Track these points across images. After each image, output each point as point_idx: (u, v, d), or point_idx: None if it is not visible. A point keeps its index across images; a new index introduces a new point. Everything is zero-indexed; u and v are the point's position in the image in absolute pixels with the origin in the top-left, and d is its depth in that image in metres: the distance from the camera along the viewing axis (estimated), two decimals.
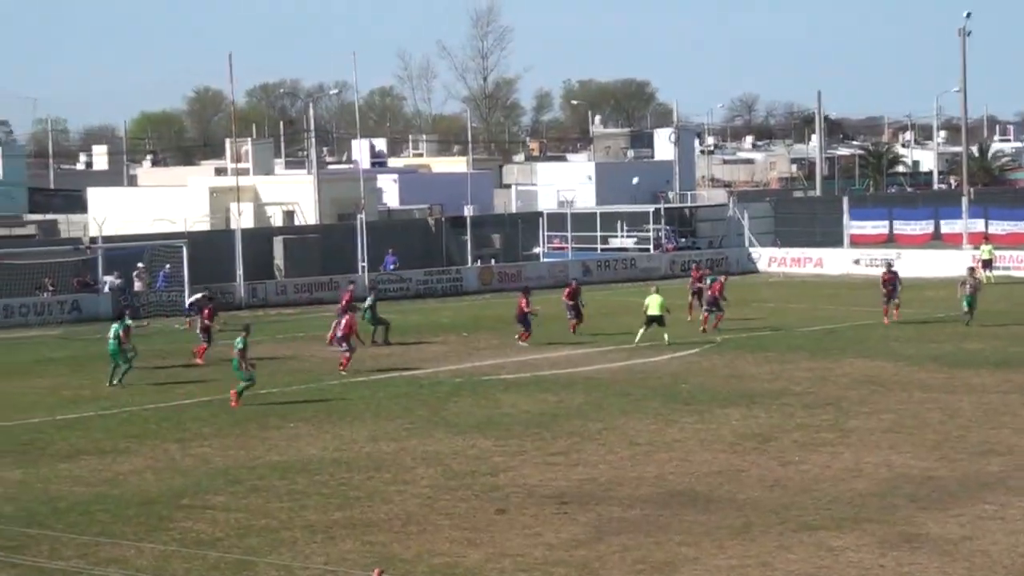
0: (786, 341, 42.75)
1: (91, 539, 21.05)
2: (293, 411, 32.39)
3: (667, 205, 77.99)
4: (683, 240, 74.56)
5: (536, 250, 71.74)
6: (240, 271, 58.08)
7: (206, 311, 40.89)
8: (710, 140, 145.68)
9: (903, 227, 70.35)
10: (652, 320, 41.70)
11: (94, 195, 77.84)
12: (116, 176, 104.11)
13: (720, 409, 31.68)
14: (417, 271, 63.04)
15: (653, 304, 41.99)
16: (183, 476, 25.78)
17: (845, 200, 72.73)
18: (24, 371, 40.23)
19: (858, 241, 69.75)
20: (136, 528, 21.94)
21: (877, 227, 70.87)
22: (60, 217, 78.01)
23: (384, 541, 21.18)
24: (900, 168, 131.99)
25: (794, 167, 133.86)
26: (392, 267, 62.15)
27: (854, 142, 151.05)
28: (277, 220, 73.60)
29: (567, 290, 45.68)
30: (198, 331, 41.23)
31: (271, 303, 57.47)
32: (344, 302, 42.58)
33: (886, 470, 25.29)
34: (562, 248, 72.26)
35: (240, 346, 32.92)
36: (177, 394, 35.03)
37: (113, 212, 66.18)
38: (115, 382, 36.02)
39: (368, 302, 44.98)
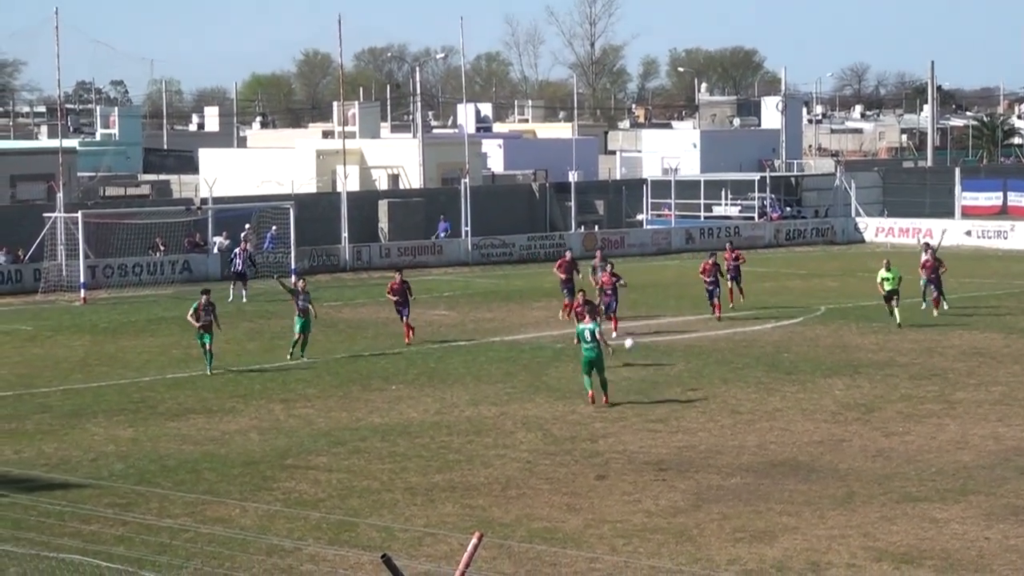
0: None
1: (198, 497, 21.41)
2: (395, 374, 32.64)
3: (772, 174, 77.26)
4: (788, 209, 73.87)
5: (639, 217, 71.47)
6: (345, 234, 58.57)
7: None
8: (818, 109, 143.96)
9: (1018, 199, 69.16)
10: (891, 295, 38.81)
11: (205, 156, 78.90)
12: (226, 138, 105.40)
13: (823, 379, 31.42)
14: (520, 236, 63.10)
15: (891, 278, 38.78)
16: (287, 436, 26.12)
17: (957, 171, 71.56)
18: (137, 330, 40.96)
19: (970, 213, 68.65)
20: (241, 487, 22.27)
21: (990, 199, 69.75)
22: (172, 177, 79.23)
23: (483, 505, 21.30)
24: (1016, 140, 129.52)
25: (904, 137, 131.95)
26: (444, 234, 61.92)
27: (967, 113, 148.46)
28: (382, 183, 74.07)
29: (560, 262, 41.51)
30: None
31: (375, 266, 57.90)
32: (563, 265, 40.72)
33: (993, 442, 24.94)
34: (666, 215, 71.94)
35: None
36: (282, 355, 35.44)
37: (223, 173, 67.05)
38: (297, 353, 34.57)
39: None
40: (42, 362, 34.85)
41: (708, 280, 40.53)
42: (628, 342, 31.95)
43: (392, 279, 37.52)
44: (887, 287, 38.83)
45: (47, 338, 39.11)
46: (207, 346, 32.66)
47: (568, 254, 42.12)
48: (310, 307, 34.78)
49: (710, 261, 40.95)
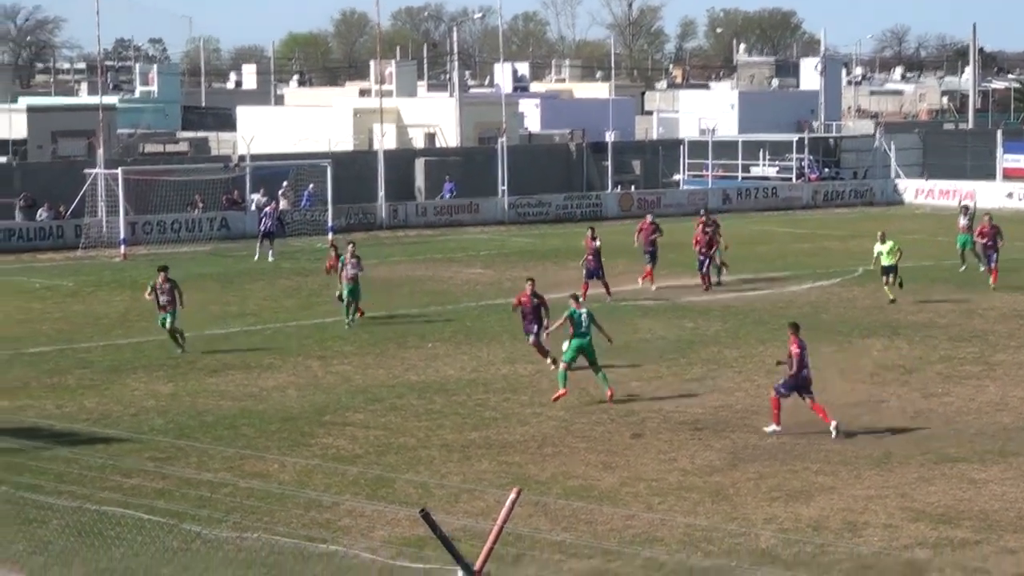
0: (932, 273, 41.99)
1: (237, 452, 21.57)
2: (431, 331, 32.73)
3: (811, 135, 76.84)
4: (826, 170, 73.48)
5: (676, 177, 71.24)
6: (382, 192, 58.62)
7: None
8: (857, 71, 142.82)
9: None
10: (888, 270, 36.01)
11: (243, 114, 79.02)
12: (264, 96, 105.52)
13: (861, 340, 31.32)
14: (557, 195, 63.03)
15: (886, 251, 36.23)
16: (324, 393, 26.25)
17: (999, 133, 70.96)
18: None
19: (1012, 175, 68.10)
20: (279, 443, 22.43)
21: None
22: (211, 135, 79.38)
23: (520, 462, 21.38)
24: None
25: (945, 99, 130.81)
26: (449, 195, 61.67)
27: (1009, 76, 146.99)
28: (419, 142, 74.04)
29: (641, 226, 39.98)
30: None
31: (411, 224, 57.98)
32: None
33: (1021, 401, 24.83)
34: (702, 176, 71.67)
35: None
36: (319, 312, 35.57)
37: (260, 131, 67.14)
38: (356, 321, 33.63)
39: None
40: (83, 318, 35.10)
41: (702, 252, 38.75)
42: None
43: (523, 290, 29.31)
44: (884, 261, 36.04)
45: (88, 294, 39.37)
46: (167, 326, 29.81)
47: (649, 217, 40.74)
48: (359, 275, 33.34)
49: (699, 230, 39.06)
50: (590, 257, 36.66)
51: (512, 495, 9.29)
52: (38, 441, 21.49)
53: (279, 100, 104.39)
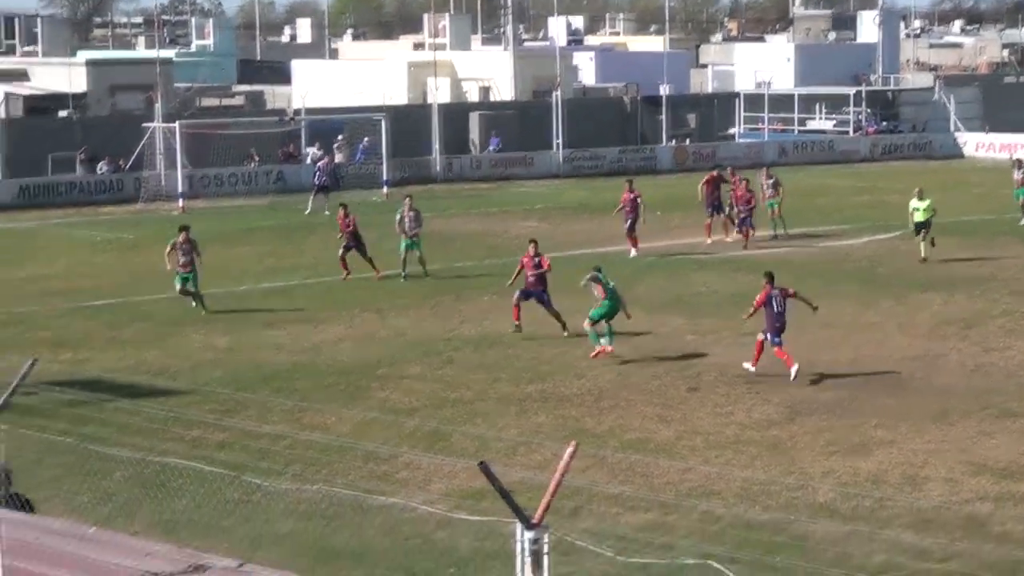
0: (993, 227, 41.59)
1: (295, 404, 21.73)
2: (488, 285, 32.75)
3: (869, 88, 76.10)
4: (884, 124, 72.81)
5: (731, 131, 70.81)
6: (436, 146, 58.62)
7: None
8: (916, 24, 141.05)
9: None
10: (921, 227, 35.44)
11: (298, 67, 79.12)
12: (318, 49, 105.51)
13: (920, 293, 31.10)
14: (611, 149, 62.87)
15: (922, 208, 35.57)
16: (380, 346, 26.36)
17: None
18: (233, 239, 41.41)
19: None
20: (336, 396, 22.57)
21: None
22: (266, 88, 79.53)
23: (576, 415, 21.42)
24: None
25: (1005, 52, 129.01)
26: (495, 149, 61.45)
27: None
28: (473, 96, 73.89)
29: (708, 179, 39.54)
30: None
31: (466, 178, 57.98)
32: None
33: None
34: (758, 129, 71.18)
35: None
36: (376, 266, 35.62)
37: (316, 85, 67.21)
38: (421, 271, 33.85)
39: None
40: (143, 271, 35.36)
41: (742, 207, 38.20)
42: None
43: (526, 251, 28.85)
44: (918, 217, 35.49)
45: (147, 247, 39.61)
46: (187, 287, 29.40)
47: (716, 171, 40.31)
48: (419, 231, 33.47)
49: (742, 186, 38.45)
50: (627, 208, 36.51)
51: (569, 448, 9.30)
52: (101, 393, 21.72)
53: (333, 54, 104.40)
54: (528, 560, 9.36)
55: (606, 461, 18.84)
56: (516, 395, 22.57)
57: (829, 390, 22.81)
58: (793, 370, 23.31)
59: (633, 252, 36.33)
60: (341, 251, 33.48)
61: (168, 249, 30.02)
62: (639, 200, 36.68)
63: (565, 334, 26.40)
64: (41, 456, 16.75)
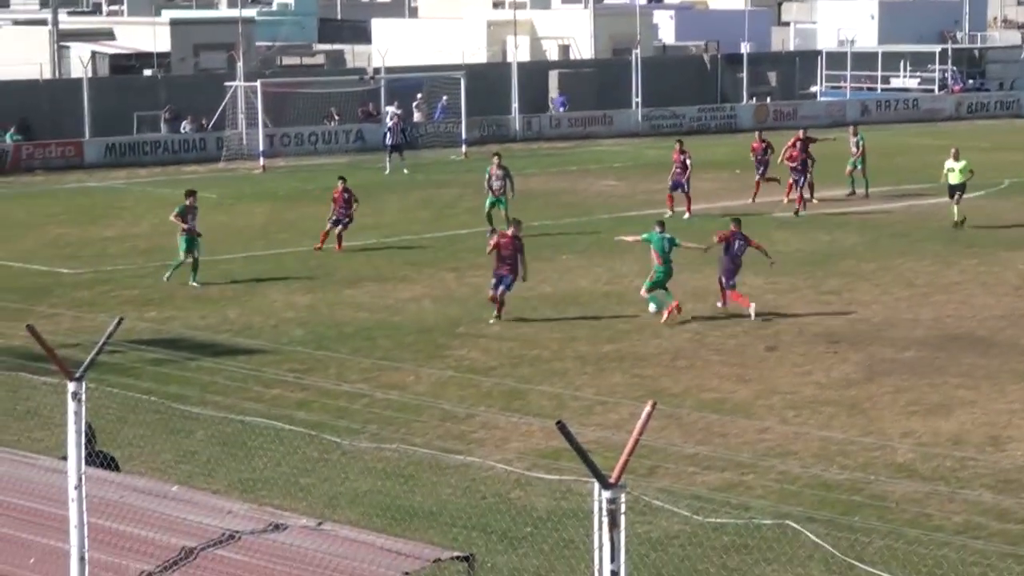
0: None
1: (373, 363, 21.91)
2: (565, 244, 32.77)
3: (955, 46, 74.95)
4: (971, 82, 71.72)
5: (813, 89, 70.07)
6: (515, 104, 58.54)
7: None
8: None
9: None
10: (956, 189, 34.22)
11: (378, 26, 79.23)
12: (398, 8, 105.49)
13: (1005, 252, 30.71)
14: (691, 107, 62.48)
15: (957, 170, 34.37)
16: (458, 305, 26.47)
17: None
18: (314, 198, 41.54)
19: None
20: (414, 354, 22.71)
21: None
22: (346, 47, 79.75)
23: (653, 375, 21.42)
24: None
25: None
26: (562, 108, 60.95)
27: None
28: (552, 54, 73.63)
29: (794, 140, 38.00)
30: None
31: (545, 136, 57.89)
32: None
33: None
34: (840, 87, 70.39)
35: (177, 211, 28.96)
36: (453, 224, 35.77)
37: (395, 43, 67.26)
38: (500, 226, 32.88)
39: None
40: (225, 229, 35.68)
41: (792, 165, 37.31)
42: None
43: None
44: (952, 179, 34.07)
45: (230, 206, 40.02)
46: (190, 254, 28.59)
47: (802, 132, 39.18)
48: (508, 186, 33.39)
49: (792, 145, 37.67)
50: (677, 170, 36.21)
51: (647, 408, 9.31)
52: (184, 352, 22.03)
53: (413, 12, 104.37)
54: (605, 519, 9.41)
55: (682, 421, 18.84)
56: (593, 354, 22.60)
57: (910, 350, 22.62)
58: (751, 309, 24.56)
59: (685, 215, 35.81)
60: (329, 225, 32.04)
61: (175, 213, 29.02)
62: (688, 160, 36.26)
63: (491, 323, 24.83)
64: (125, 415, 17.01)
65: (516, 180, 34.61)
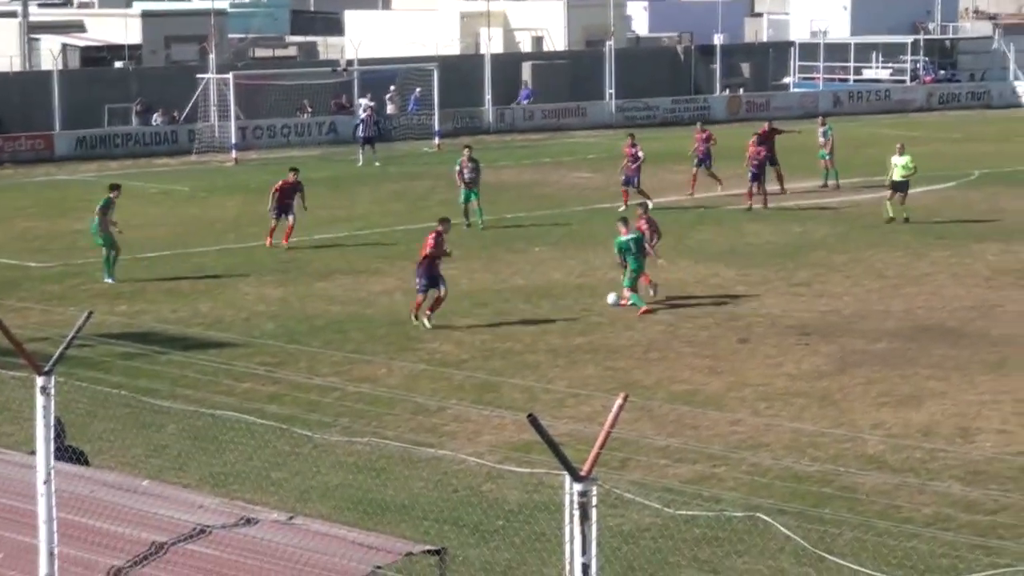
0: None
1: (345, 356, 21.87)
2: (538, 236, 32.77)
3: (926, 36, 75.21)
4: (942, 72, 72.00)
5: (786, 80, 70.22)
6: (489, 96, 58.48)
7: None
8: None
9: None
10: (899, 187, 33.54)
11: (351, 18, 79.03)
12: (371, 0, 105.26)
13: (975, 244, 30.85)
14: (664, 99, 62.55)
15: (901, 165, 33.56)
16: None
17: None
18: None
19: None
20: (387, 347, 22.69)
21: None
22: (319, 39, 79.53)
23: (625, 367, 21.44)
24: None
25: None
26: (526, 101, 60.68)
27: None
28: (526, 46, 73.59)
29: (762, 132, 37.90)
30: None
31: (518, 128, 57.87)
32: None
33: None
34: (813, 78, 70.55)
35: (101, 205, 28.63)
36: (425, 216, 35.69)
37: (368, 35, 67.12)
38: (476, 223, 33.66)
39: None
40: (197, 222, 35.61)
41: (755, 164, 36.39)
42: (610, 298, 25.74)
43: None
44: (896, 175, 33.14)
45: (202, 199, 39.90)
46: (112, 248, 28.37)
47: (768, 124, 39.81)
48: (478, 178, 33.52)
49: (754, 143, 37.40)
50: (629, 163, 36.09)
51: (619, 400, 9.32)
52: (154, 345, 21.92)
53: (386, 4, 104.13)
54: (576, 512, 9.42)
55: (654, 413, 18.88)
56: (565, 347, 22.62)
57: (881, 341, 22.71)
58: (651, 285, 25.53)
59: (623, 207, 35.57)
60: (273, 218, 31.11)
61: (98, 210, 28.80)
62: (640, 153, 36.14)
63: (415, 322, 24.25)
64: (95, 409, 16.95)
65: (489, 173, 34.66)
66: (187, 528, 10.04)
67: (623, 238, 25.12)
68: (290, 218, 31.36)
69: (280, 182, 31.93)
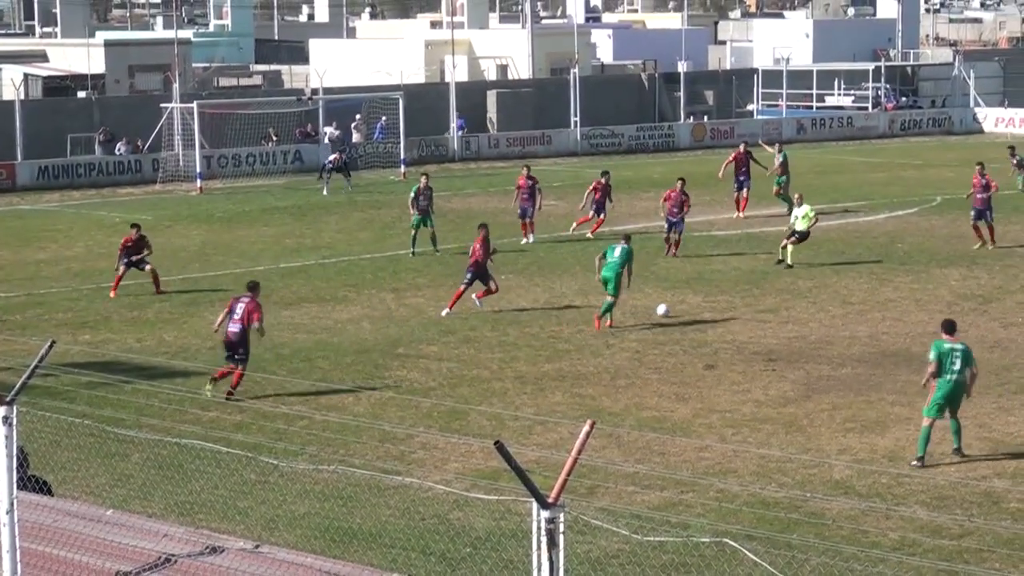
0: (1012, 202, 41.42)
1: (312, 384, 21.79)
2: (505, 263, 32.74)
3: (888, 63, 75.81)
4: (904, 99, 72.56)
5: (750, 107, 70.62)
6: (454, 124, 58.56)
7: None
8: None
9: None
10: (798, 236, 31.81)
11: (315, 47, 79.10)
12: (336, 29, 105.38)
13: (939, 269, 31.03)
14: (629, 127, 62.80)
15: (801, 216, 31.89)
16: (398, 325, 26.41)
17: None
18: (251, 220, 41.50)
19: None
20: (354, 375, 22.62)
21: None
22: (284, 68, 79.54)
23: (593, 394, 21.44)
24: None
25: None
26: (461, 132, 60.25)
27: None
28: (491, 74, 73.78)
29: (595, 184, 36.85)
30: None
31: (484, 156, 57.96)
32: None
33: None
34: (776, 106, 70.98)
35: None
36: (392, 244, 35.70)
37: (333, 64, 67.19)
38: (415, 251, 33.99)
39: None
40: (161, 251, 35.33)
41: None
42: (661, 309, 26.77)
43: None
44: (800, 226, 31.72)
45: (166, 228, 39.74)
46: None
47: (742, 146, 40.67)
48: (431, 205, 33.87)
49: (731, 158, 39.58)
50: (524, 196, 35.84)
51: (586, 427, 9.32)
52: (119, 375, 21.80)
53: (351, 33, 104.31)
54: (544, 539, 9.39)
55: (622, 440, 18.87)
56: (533, 374, 22.60)
57: (846, 367, 22.79)
58: (477, 297, 26.89)
59: (530, 239, 35.58)
60: (121, 268, 29.84)
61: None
62: (536, 186, 36.00)
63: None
64: (59, 438, 16.79)
65: (456, 200, 34.69)
66: (152, 557, 9.95)
67: (611, 247, 26.37)
68: (146, 268, 30.08)
69: (124, 238, 30.56)
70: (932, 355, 17.97)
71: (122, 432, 16.44)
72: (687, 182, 34.23)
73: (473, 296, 27.28)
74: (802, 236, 31.96)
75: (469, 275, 27.19)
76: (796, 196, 33.13)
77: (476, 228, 28.13)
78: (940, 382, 17.86)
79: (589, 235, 36.12)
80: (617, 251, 26.02)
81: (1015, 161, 41.75)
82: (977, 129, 67.80)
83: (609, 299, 25.72)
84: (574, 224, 36.93)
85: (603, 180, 36.59)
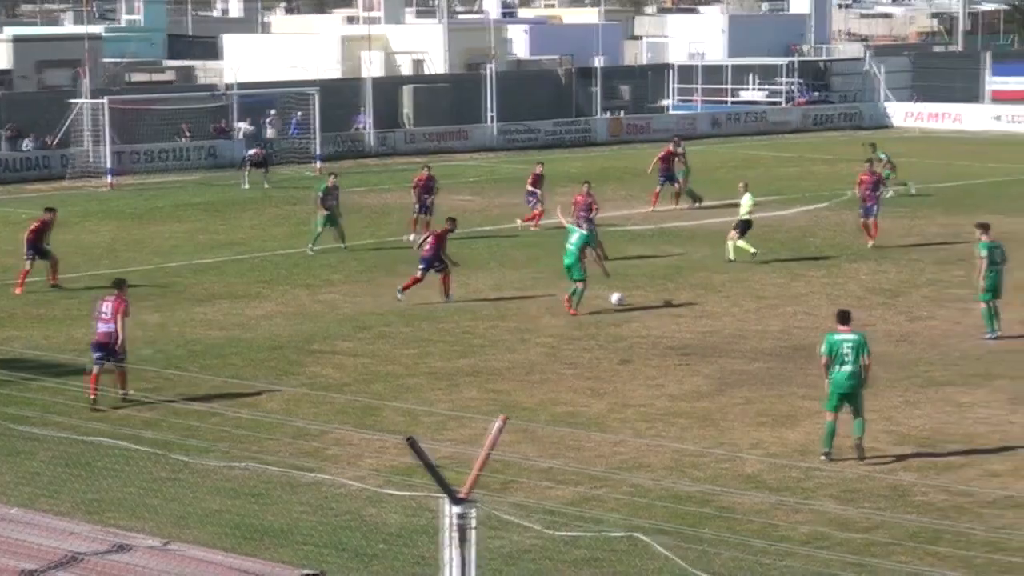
0: (920, 197, 42.01)
1: (225, 381, 21.61)
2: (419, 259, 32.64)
3: (800, 58, 76.57)
4: (816, 94, 73.31)
5: (664, 102, 71.04)
6: (369, 119, 58.34)
7: None
8: None
9: None
10: (742, 227, 31.94)
11: (229, 42, 78.44)
12: (250, 24, 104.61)
13: (848, 264, 31.39)
14: (546, 122, 62.89)
15: (746, 205, 32.12)
16: (312, 321, 26.26)
17: (987, 55, 70.80)
18: (164, 216, 41.07)
19: (1000, 97, 68.01)
20: (267, 372, 22.47)
21: (1021, 83, 68.95)
22: (197, 64, 78.80)
23: (507, 389, 21.45)
24: None
25: (935, 22, 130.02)
26: (362, 127, 60.03)
27: None
28: (406, 69, 73.59)
29: (665, 153, 40.32)
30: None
31: (400, 152, 57.79)
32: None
33: (1020, 327, 24.92)
34: (691, 101, 71.46)
35: None
36: (306, 241, 35.47)
37: (247, 59, 66.72)
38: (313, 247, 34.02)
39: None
40: (70, 248, 34.93)
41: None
42: (614, 297, 27.31)
43: None
44: (742, 214, 31.87)
45: (75, 224, 39.20)
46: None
47: (671, 145, 41.45)
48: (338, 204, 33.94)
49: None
50: (424, 194, 35.83)
51: (498, 422, 9.32)
52: (25, 372, 21.47)
53: (266, 28, 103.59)
54: (455, 535, 9.38)
55: (536, 435, 18.89)
56: (447, 369, 22.57)
57: (759, 361, 22.98)
58: (450, 294, 27.39)
59: (411, 236, 35.68)
60: (28, 263, 29.67)
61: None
62: (434, 183, 36.11)
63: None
64: None
65: (372, 196, 34.59)
66: (58, 555, 9.83)
67: (573, 227, 27.47)
68: (49, 255, 29.85)
69: (34, 223, 30.40)
70: (823, 348, 18.09)
71: (28, 430, 16.21)
72: (591, 184, 34.23)
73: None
74: (745, 227, 31.87)
75: (423, 266, 27.80)
76: (741, 184, 33.24)
77: (444, 221, 28.92)
78: (834, 374, 17.91)
79: (533, 227, 36.27)
80: (574, 237, 26.81)
81: (883, 159, 41.43)
82: (886, 124, 68.68)
83: (575, 286, 26.35)
84: (518, 221, 37.05)
85: (537, 170, 37.48)
